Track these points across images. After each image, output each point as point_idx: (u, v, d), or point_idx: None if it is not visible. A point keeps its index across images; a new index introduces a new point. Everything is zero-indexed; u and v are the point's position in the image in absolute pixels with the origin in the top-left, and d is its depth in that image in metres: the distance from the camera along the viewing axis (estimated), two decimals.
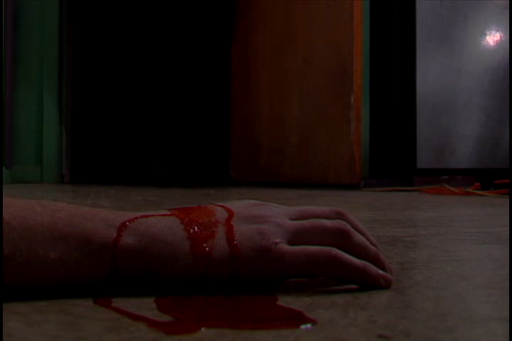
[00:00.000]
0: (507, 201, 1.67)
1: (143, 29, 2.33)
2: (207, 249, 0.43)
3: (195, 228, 0.44)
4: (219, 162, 2.91)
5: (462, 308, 0.42)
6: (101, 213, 0.44)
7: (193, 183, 2.49)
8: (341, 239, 0.46)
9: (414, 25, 2.60)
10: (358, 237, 0.47)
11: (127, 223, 0.44)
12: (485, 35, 2.73)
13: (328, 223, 0.47)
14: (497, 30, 2.75)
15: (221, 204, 0.48)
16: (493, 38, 2.74)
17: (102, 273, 0.42)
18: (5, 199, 0.42)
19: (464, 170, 2.68)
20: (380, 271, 0.46)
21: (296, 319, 0.37)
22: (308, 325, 0.36)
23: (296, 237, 0.46)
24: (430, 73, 2.63)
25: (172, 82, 2.45)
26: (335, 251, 0.45)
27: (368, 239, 0.48)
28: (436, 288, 0.48)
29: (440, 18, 2.65)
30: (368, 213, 1.35)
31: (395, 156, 2.65)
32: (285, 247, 0.44)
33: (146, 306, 0.40)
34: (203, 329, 0.35)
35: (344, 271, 0.45)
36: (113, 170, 2.54)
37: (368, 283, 0.45)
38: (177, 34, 2.48)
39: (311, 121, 2.56)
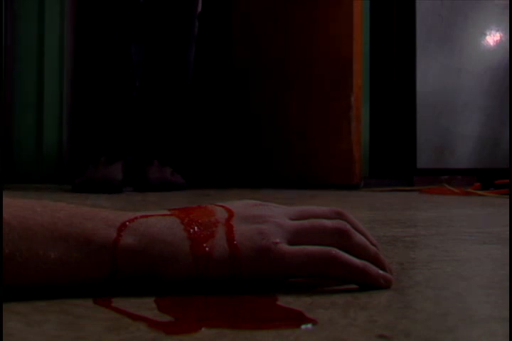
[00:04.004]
0: (507, 201, 1.67)
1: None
2: (207, 249, 0.43)
3: (195, 228, 0.44)
4: (220, 162, 2.91)
5: (462, 308, 0.42)
6: (101, 213, 0.44)
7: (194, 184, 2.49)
8: (341, 239, 0.46)
9: (414, 25, 2.61)
10: (358, 237, 0.47)
11: (127, 223, 0.44)
12: (485, 35, 2.73)
13: (328, 223, 0.47)
14: (497, 30, 2.75)
15: (221, 204, 0.48)
16: (493, 38, 2.74)
17: (102, 273, 0.42)
18: (5, 199, 0.42)
19: (464, 170, 2.68)
20: (380, 271, 0.46)
21: (296, 319, 0.37)
22: (309, 325, 0.36)
23: (296, 237, 0.46)
24: (430, 73, 2.63)
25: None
26: (335, 251, 0.45)
27: (368, 239, 0.48)
28: (436, 288, 0.48)
29: (440, 18, 2.65)
30: (368, 213, 1.35)
31: (395, 156, 2.65)
32: (285, 247, 0.44)
33: (146, 306, 0.40)
34: (203, 329, 0.35)
35: (344, 271, 0.45)
36: None
37: (368, 283, 0.45)
38: None
39: (311, 120, 2.56)
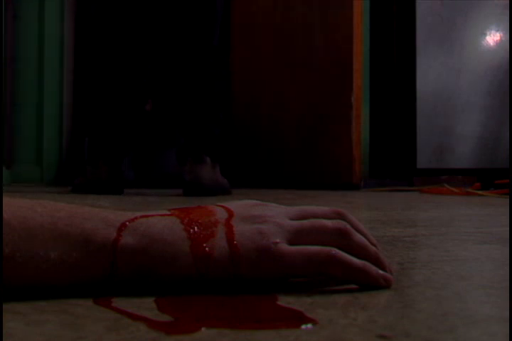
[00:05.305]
0: (507, 201, 1.67)
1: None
2: (207, 249, 0.43)
3: (195, 228, 0.44)
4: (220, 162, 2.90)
5: (462, 308, 0.42)
6: (101, 213, 0.44)
7: None
8: (341, 239, 0.46)
9: (414, 25, 2.61)
10: (358, 237, 0.47)
11: (127, 223, 0.44)
12: (485, 35, 2.73)
13: (328, 223, 0.47)
14: (497, 30, 2.75)
15: (221, 204, 0.48)
16: (493, 38, 2.75)
17: (101, 273, 0.42)
18: (5, 199, 0.42)
19: (463, 170, 2.68)
20: (380, 271, 0.46)
21: (296, 319, 0.37)
22: (309, 325, 0.36)
23: (296, 237, 0.46)
24: (430, 73, 2.63)
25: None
26: (335, 251, 0.45)
27: (368, 239, 0.48)
28: (436, 288, 0.48)
29: (440, 18, 2.65)
30: (367, 213, 1.35)
31: (395, 156, 2.65)
32: (285, 247, 0.44)
33: (146, 306, 0.40)
34: (203, 329, 0.35)
35: (344, 270, 0.45)
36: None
37: (368, 283, 0.45)
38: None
39: (311, 121, 2.56)
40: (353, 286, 0.46)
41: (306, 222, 0.47)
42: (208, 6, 1.99)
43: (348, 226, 0.47)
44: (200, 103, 1.96)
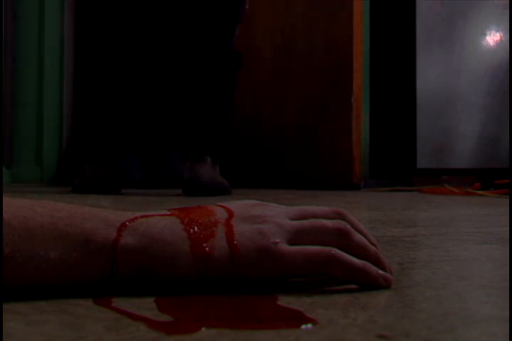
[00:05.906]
0: (507, 201, 1.67)
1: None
2: (207, 249, 0.43)
3: (195, 228, 0.44)
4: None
5: (462, 308, 0.42)
6: (101, 213, 0.44)
7: None
8: (341, 239, 0.46)
9: (414, 25, 2.61)
10: (358, 237, 0.47)
11: (127, 223, 0.44)
12: (485, 35, 2.74)
13: (328, 223, 0.47)
14: (497, 30, 2.75)
15: (221, 204, 0.48)
16: (493, 38, 2.75)
17: (101, 273, 0.42)
18: (5, 199, 0.42)
19: (463, 170, 2.68)
20: (380, 271, 0.46)
21: (296, 319, 0.37)
22: (309, 325, 0.35)
23: (296, 237, 0.46)
24: (430, 73, 2.63)
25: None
26: (335, 251, 0.45)
27: (368, 239, 0.48)
28: (436, 288, 0.48)
29: (440, 18, 2.65)
30: (368, 213, 1.35)
31: (395, 156, 2.65)
32: (285, 247, 0.44)
33: (146, 306, 0.40)
34: (203, 329, 0.35)
35: (344, 270, 0.45)
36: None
37: (368, 283, 0.45)
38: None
39: (311, 121, 2.56)
40: (353, 286, 0.46)
41: (306, 222, 0.47)
42: (233, 5, 2.00)
43: (348, 226, 0.47)
44: (208, 101, 1.96)
